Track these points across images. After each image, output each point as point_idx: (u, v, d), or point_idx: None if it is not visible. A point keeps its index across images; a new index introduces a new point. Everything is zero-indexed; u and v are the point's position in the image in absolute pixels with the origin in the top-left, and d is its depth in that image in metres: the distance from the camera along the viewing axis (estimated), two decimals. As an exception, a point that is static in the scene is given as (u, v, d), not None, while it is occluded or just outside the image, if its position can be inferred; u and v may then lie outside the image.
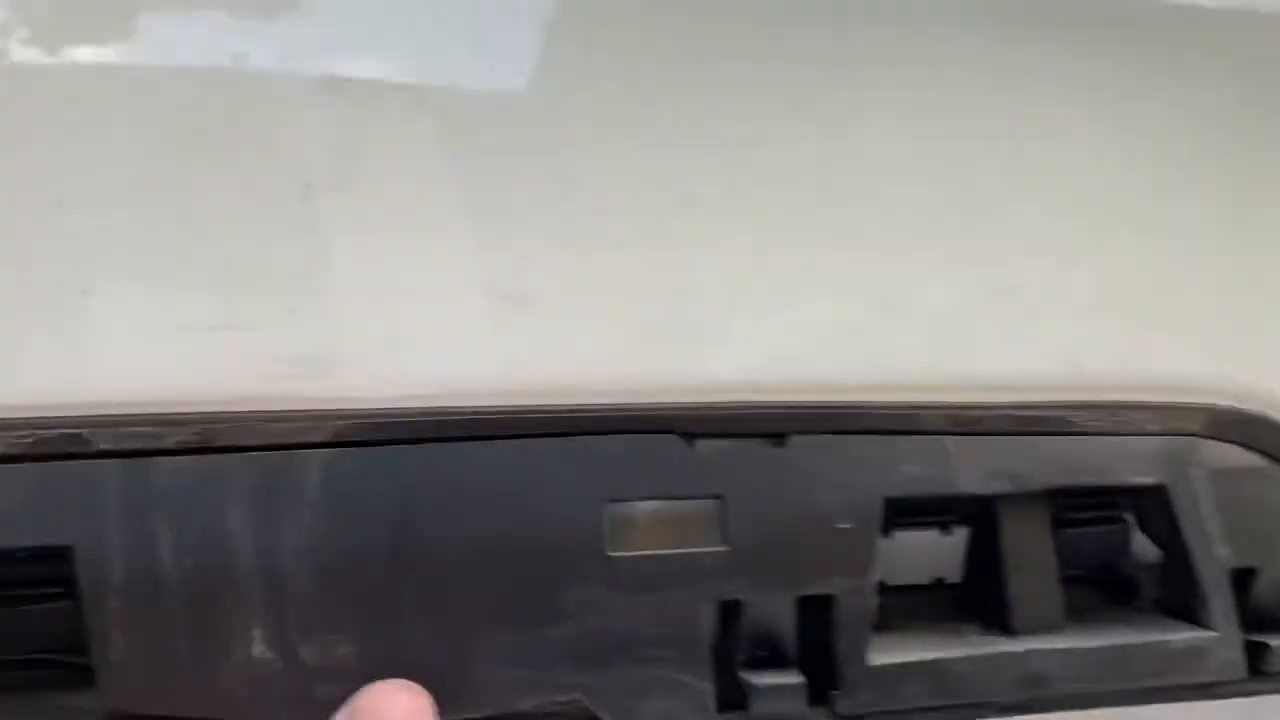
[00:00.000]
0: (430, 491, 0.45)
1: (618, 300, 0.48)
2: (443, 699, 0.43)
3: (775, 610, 0.47)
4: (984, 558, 0.52)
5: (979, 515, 0.51)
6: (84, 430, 0.44)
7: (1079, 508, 0.53)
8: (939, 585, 0.53)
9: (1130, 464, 0.51)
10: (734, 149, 0.49)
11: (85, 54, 0.45)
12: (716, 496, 0.47)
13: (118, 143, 0.45)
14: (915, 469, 0.48)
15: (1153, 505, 0.53)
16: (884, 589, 0.50)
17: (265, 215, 0.46)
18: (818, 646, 0.48)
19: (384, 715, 0.40)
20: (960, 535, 0.52)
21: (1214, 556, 0.52)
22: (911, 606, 0.52)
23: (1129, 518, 0.54)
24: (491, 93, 0.48)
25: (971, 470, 0.49)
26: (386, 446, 0.46)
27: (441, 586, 0.45)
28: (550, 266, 0.48)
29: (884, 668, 0.47)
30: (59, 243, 0.45)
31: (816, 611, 0.48)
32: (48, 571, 0.46)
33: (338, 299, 0.47)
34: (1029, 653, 0.49)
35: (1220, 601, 0.52)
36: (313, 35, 0.47)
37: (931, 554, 0.52)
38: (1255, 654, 0.53)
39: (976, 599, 0.52)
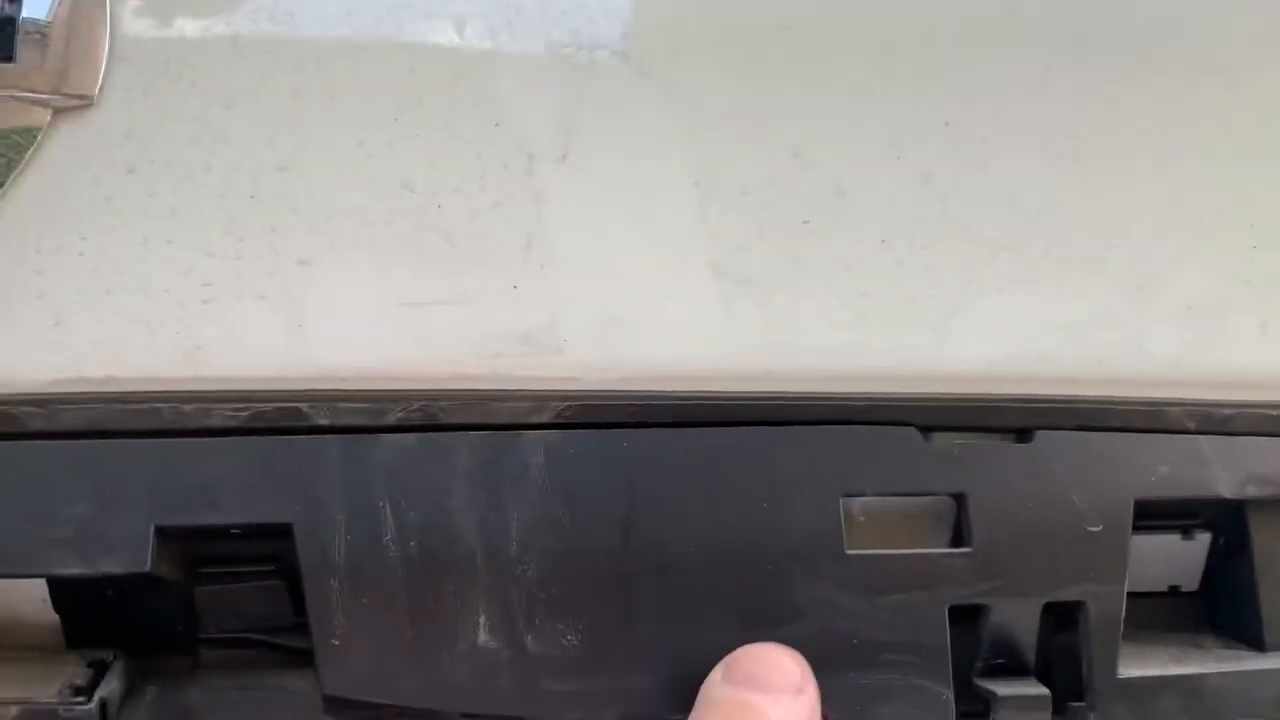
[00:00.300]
0: (657, 478, 0.43)
1: (852, 284, 0.46)
2: (668, 696, 0.41)
3: (1019, 616, 0.44)
4: (1231, 566, 0.48)
5: (1227, 521, 0.48)
6: (303, 405, 0.43)
7: (1332, 516, 0.49)
8: (1174, 593, 0.50)
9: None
10: (973, 123, 0.46)
11: (308, 20, 0.43)
12: (958, 494, 0.44)
13: (342, 109, 0.44)
14: (1167, 470, 0.45)
15: None
16: (1120, 597, 0.46)
17: (488, 186, 0.44)
18: (1063, 656, 0.45)
19: (765, 679, 0.38)
20: (1201, 541, 0.49)
21: None
22: (1146, 616, 0.48)
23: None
24: (716, 63, 0.46)
25: (1225, 472, 0.46)
26: (612, 430, 0.43)
27: (669, 578, 0.43)
28: (780, 247, 0.46)
29: (1136, 680, 0.44)
30: (280, 210, 0.43)
31: (1062, 619, 0.45)
32: (259, 549, 0.45)
33: (560, 276, 0.45)
34: (1288, 671, 0.46)
35: None
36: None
37: (1169, 560, 0.49)
38: None
39: (1220, 610, 0.49)
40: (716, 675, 0.39)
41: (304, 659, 0.44)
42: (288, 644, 0.45)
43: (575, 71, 0.45)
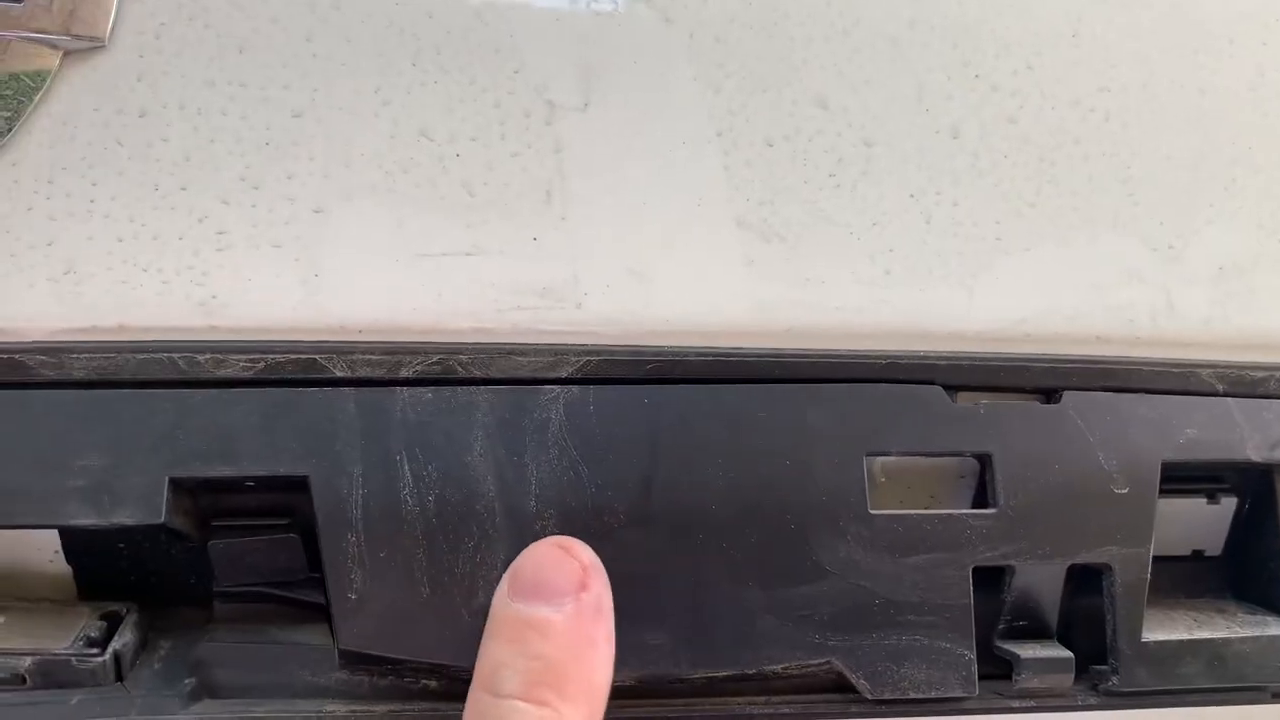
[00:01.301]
0: (678, 434, 0.42)
1: (878, 239, 0.45)
2: (687, 654, 0.41)
3: (1043, 578, 0.44)
4: (1255, 531, 0.48)
5: (1253, 485, 0.47)
6: (318, 356, 0.42)
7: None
8: (1197, 557, 0.49)
9: None
10: (999, 75, 0.45)
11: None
12: (983, 454, 0.44)
13: (358, 53, 0.42)
14: (1195, 432, 0.44)
15: None
16: (1142, 560, 0.46)
17: (507, 135, 0.43)
18: (1086, 619, 0.45)
19: (546, 585, 0.37)
20: (1227, 505, 0.48)
21: None
22: (1168, 579, 0.48)
23: None
24: (742, 9, 0.45)
25: (1254, 436, 0.45)
26: (632, 385, 0.43)
27: (690, 535, 0.42)
28: (805, 200, 0.45)
29: (1160, 644, 0.44)
30: (295, 156, 0.42)
31: (1086, 582, 0.44)
32: (274, 502, 0.44)
33: (581, 228, 0.44)
34: (1313, 636, 0.45)
35: None
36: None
37: (1193, 524, 0.48)
38: None
39: (1243, 575, 0.49)
40: (504, 589, 0.38)
41: (319, 613, 0.43)
42: (303, 598, 0.45)
43: (598, 17, 0.44)
